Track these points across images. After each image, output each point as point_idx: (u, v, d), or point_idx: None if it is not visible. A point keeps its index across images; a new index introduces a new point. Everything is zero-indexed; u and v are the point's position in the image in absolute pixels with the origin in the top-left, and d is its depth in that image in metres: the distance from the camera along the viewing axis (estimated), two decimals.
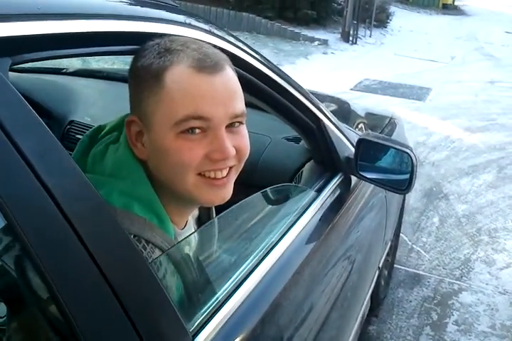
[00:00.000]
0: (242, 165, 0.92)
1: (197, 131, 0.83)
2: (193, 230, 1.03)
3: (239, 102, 0.87)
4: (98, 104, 1.97)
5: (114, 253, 0.68)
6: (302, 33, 10.54)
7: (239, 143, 0.88)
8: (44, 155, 0.61)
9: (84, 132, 1.88)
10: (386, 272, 2.71)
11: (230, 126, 0.86)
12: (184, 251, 0.92)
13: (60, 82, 2.06)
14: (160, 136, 0.84)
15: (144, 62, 0.84)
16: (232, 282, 0.96)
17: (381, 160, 1.50)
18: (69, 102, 1.95)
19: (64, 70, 2.17)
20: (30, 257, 0.57)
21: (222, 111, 0.83)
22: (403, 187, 1.44)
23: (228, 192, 0.91)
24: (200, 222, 1.12)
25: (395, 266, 3.03)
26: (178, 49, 0.84)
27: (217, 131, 0.84)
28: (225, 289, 0.93)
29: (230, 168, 0.89)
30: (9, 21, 0.63)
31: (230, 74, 0.87)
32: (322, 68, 8.46)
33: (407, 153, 1.40)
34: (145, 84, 0.84)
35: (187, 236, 0.95)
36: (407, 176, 1.43)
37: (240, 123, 0.88)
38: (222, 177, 0.88)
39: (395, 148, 1.43)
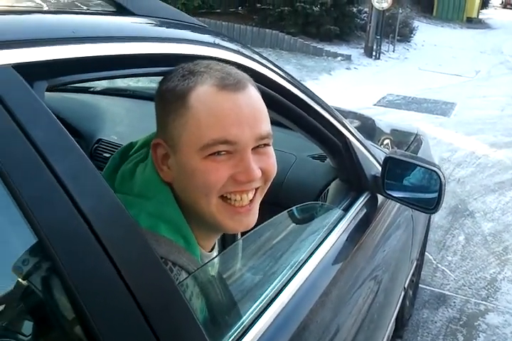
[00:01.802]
0: (268, 185, 0.91)
1: (223, 152, 0.83)
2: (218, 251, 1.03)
3: (264, 123, 0.86)
4: (125, 122, 1.99)
5: (145, 276, 0.68)
6: (325, 49, 10.57)
7: (265, 165, 0.87)
8: (78, 177, 0.61)
9: (112, 150, 1.92)
10: (411, 292, 2.67)
11: (257, 147, 0.86)
12: (210, 273, 0.92)
13: (86, 100, 2.09)
14: (186, 158, 0.84)
15: (169, 86, 0.85)
16: (259, 304, 0.95)
17: (408, 179, 1.48)
18: (96, 121, 1.98)
19: (91, 89, 2.20)
20: (61, 278, 0.58)
21: (248, 133, 0.83)
22: (431, 206, 1.42)
23: (253, 219, 0.90)
24: (225, 241, 1.11)
25: (420, 285, 2.98)
26: (201, 71, 0.85)
27: (243, 154, 0.84)
28: (252, 312, 0.92)
29: (256, 189, 0.89)
30: (45, 45, 0.64)
31: (253, 93, 0.87)
32: (345, 84, 8.45)
33: (435, 171, 1.38)
34: (171, 107, 0.85)
35: (212, 258, 0.95)
36: (435, 195, 1.41)
37: (266, 145, 0.88)
38: (247, 204, 0.87)
39: (423, 167, 1.42)
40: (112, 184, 0.90)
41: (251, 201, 0.88)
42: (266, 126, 0.86)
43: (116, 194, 0.84)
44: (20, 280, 0.61)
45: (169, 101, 0.85)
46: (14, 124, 0.56)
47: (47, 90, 0.64)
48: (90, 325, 0.59)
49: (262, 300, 0.96)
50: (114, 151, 1.81)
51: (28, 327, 0.67)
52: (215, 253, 0.99)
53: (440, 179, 1.37)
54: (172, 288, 0.72)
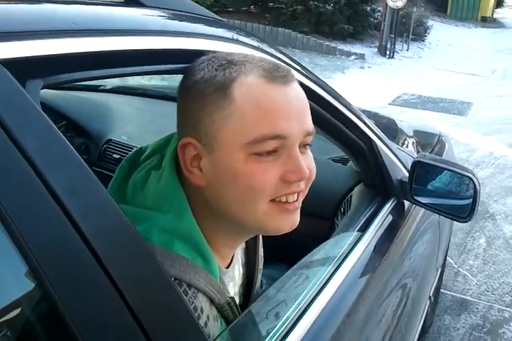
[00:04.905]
0: (307, 190, 0.82)
1: (270, 152, 0.74)
2: (240, 263, 0.94)
3: (310, 119, 0.79)
4: (135, 122, 1.92)
5: (153, 300, 0.60)
6: (338, 48, 10.50)
7: (309, 165, 0.78)
8: (77, 191, 0.53)
9: (122, 151, 1.85)
10: (432, 298, 2.57)
11: (300, 147, 0.78)
12: (229, 293, 0.83)
13: (95, 99, 2.03)
14: (226, 157, 0.74)
15: (205, 75, 0.75)
16: (284, 324, 0.86)
17: (438, 184, 1.39)
18: (106, 120, 1.92)
19: (101, 87, 2.14)
20: (53, 301, 0.49)
21: (297, 127, 0.75)
22: (464, 214, 1.32)
23: (297, 218, 0.81)
24: (248, 252, 1.02)
25: (441, 290, 2.88)
26: (241, 60, 0.76)
27: (291, 150, 0.75)
28: (275, 333, 0.84)
29: (298, 193, 0.80)
30: (41, 39, 0.56)
31: (298, 87, 0.79)
32: (359, 83, 8.37)
33: (469, 177, 1.29)
34: (207, 100, 0.75)
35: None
36: (467, 202, 1.31)
37: (308, 145, 0.80)
38: (294, 201, 0.78)
39: (455, 172, 1.32)
40: (122, 195, 0.82)
41: (297, 200, 0.79)
42: (311, 123, 0.79)
43: (127, 207, 0.76)
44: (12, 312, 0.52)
45: (204, 94, 0.75)
46: (1, 130, 0.48)
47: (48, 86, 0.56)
48: None
49: (287, 320, 0.88)
50: (124, 152, 1.75)
51: None
52: (234, 268, 0.91)
53: (475, 185, 1.28)
54: (186, 312, 0.63)
